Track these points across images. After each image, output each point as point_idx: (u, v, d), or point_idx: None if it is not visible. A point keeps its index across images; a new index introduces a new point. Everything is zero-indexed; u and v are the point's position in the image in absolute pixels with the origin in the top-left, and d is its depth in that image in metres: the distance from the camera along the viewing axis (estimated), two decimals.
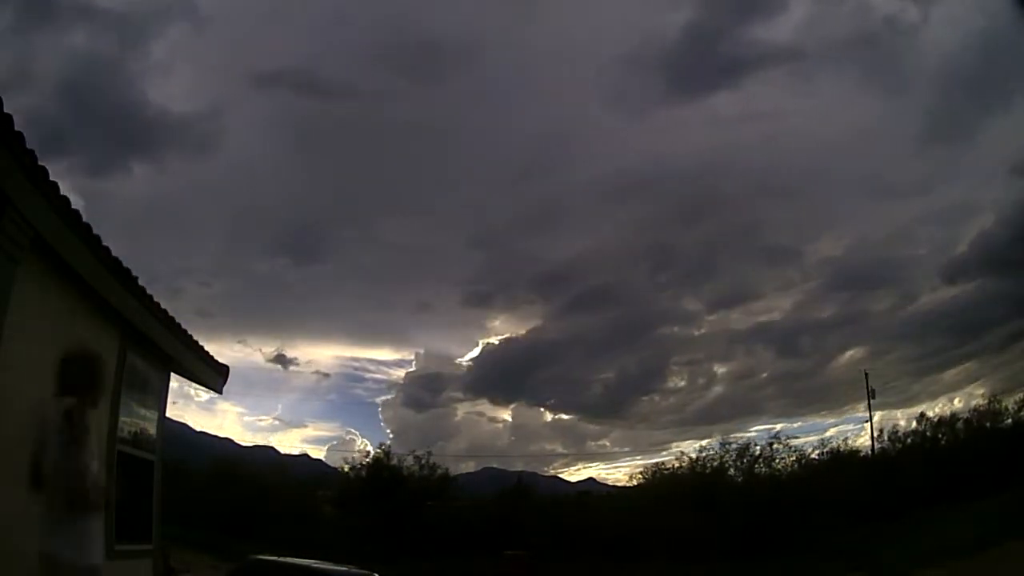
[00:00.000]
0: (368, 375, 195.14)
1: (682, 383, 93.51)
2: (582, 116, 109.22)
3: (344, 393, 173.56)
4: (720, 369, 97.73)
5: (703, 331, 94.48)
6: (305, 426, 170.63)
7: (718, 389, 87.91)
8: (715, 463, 36.57)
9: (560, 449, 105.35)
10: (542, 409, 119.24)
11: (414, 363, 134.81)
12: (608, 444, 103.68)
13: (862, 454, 37.12)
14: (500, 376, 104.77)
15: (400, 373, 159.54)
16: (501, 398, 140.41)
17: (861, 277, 78.35)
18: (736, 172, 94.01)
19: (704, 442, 42.75)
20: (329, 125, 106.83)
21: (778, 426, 67.73)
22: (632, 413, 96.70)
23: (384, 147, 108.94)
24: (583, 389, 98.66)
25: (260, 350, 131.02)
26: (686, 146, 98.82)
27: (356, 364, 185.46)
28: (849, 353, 72.47)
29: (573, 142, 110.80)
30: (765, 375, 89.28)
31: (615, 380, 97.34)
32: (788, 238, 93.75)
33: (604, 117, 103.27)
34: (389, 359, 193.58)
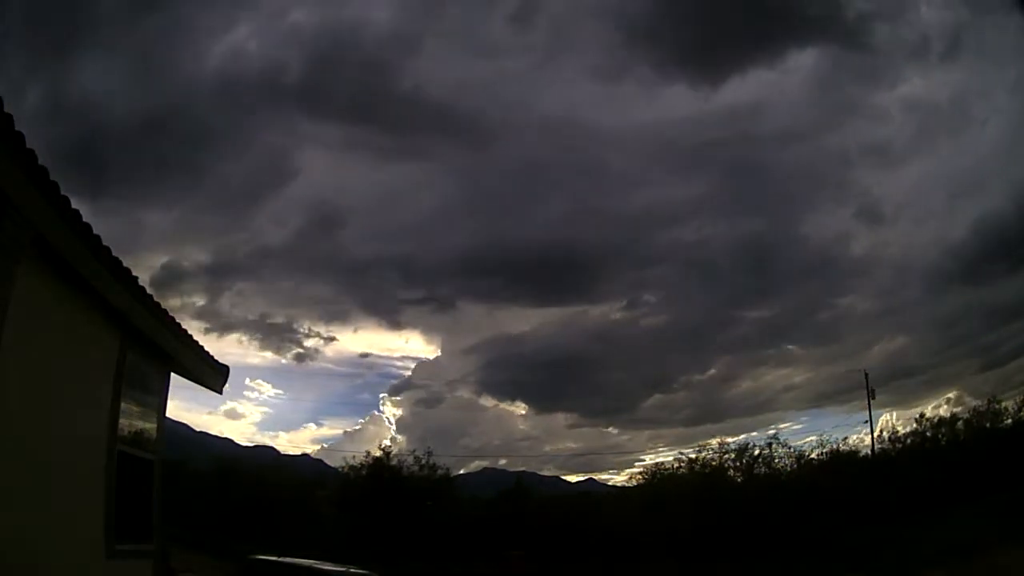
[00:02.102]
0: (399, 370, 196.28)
1: (704, 378, 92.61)
2: None
3: (372, 390, 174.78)
4: (747, 362, 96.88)
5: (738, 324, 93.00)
6: (322, 424, 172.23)
7: (743, 384, 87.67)
8: (714, 463, 36.64)
9: (576, 449, 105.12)
10: (559, 412, 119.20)
11: (432, 359, 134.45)
12: (625, 443, 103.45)
13: (862, 454, 37.14)
14: (512, 374, 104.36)
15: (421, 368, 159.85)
16: (514, 396, 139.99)
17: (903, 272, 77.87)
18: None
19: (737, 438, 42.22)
20: None
21: (800, 424, 67.98)
22: (650, 411, 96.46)
23: None
24: (601, 388, 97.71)
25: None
26: None
27: (390, 360, 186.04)
28: (882, 346, 72.51)
29: None
30: (794, 367, 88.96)
31: (638, 374, 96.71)
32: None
33: None
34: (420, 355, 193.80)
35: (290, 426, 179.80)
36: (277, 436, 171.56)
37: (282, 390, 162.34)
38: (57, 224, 5.98)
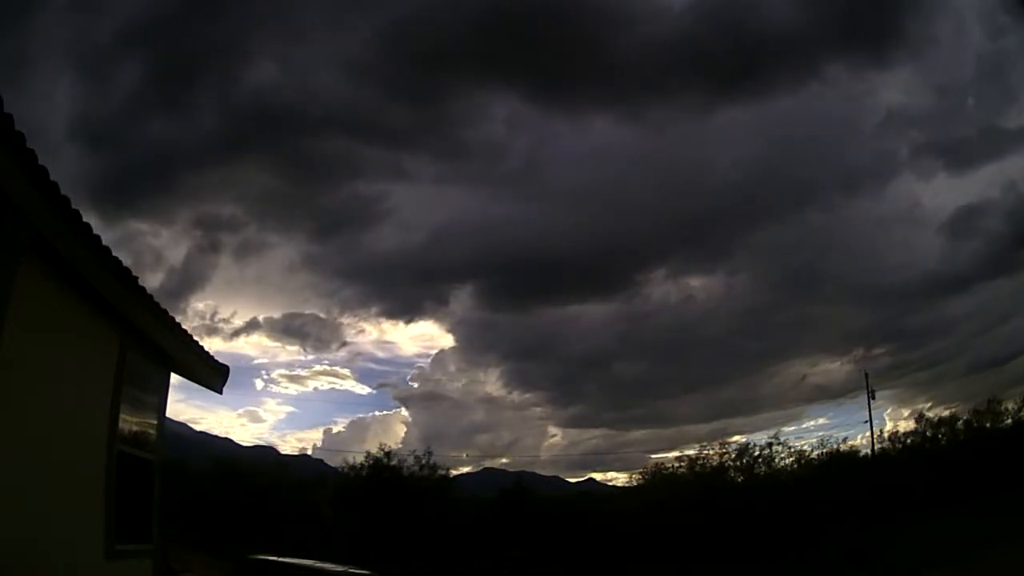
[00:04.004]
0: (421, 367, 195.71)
1: (724, 374, 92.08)
2: None
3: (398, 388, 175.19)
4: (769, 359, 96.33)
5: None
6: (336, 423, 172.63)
7: (766, 381, 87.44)
8: (715, 463, 36.65)
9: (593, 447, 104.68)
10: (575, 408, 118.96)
11: (443, 356, 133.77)
12: (642, 440, 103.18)
13: (862, 454, 37.20)
14: (527, 371, 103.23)
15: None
16: (524, 393, 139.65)
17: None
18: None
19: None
20: None
21: (826, 419, 68.28)
22: (667, 409, 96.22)
23: None
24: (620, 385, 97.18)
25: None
26: None
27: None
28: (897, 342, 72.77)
29: None
30: (819, 362, 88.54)
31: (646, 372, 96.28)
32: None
33: None
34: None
35: (310, 425, 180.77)
36: (285, 435, 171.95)
37: (306, 389, 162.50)
38: (57, 224, 5.98)
